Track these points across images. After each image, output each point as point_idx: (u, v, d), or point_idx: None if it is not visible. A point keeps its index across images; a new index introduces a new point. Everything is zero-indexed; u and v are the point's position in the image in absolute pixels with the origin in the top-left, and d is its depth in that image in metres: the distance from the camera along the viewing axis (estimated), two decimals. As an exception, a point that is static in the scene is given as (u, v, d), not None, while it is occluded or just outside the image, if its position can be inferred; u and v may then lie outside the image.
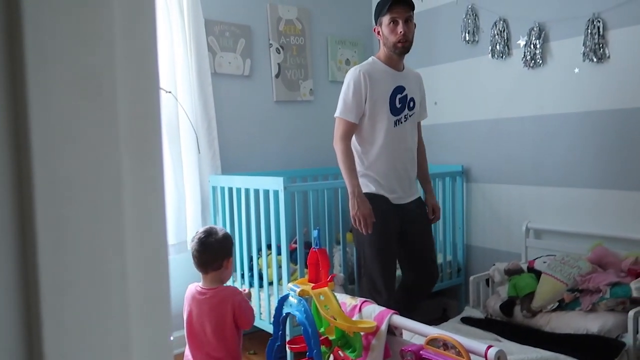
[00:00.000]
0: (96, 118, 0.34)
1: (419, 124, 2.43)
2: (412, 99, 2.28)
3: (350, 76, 2.25)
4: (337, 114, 2.25)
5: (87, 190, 0.34)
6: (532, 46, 2.81)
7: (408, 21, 2.18)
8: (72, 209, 0.34)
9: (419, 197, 2.40)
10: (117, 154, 0.35)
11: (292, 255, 2.74)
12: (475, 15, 3.13)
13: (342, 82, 3.69)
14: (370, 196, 2.18)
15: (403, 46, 2.18)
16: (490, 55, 3.04)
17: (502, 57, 2.99)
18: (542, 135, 2.85)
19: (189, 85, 2.93)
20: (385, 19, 2.18)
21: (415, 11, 3.43)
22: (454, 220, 3.24)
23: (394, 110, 2.22)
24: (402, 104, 2.24)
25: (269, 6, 3.34)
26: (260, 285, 2.71)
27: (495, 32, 3.00)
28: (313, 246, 1.84)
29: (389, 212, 2.22)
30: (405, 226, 2.27)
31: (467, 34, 3.17)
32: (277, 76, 3.38)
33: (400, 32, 2.15)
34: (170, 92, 2.79)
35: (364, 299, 1.88)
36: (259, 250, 2.82)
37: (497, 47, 2.99)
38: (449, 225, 3.24)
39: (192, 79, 2.95)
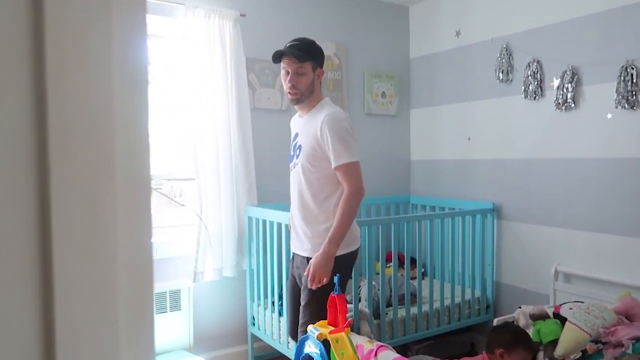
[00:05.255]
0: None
1: (337, 170, 2.07)
2: (299, 146, 2.16)
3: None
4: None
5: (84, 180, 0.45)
6: (564, 89, 2.82)
7: (300, 74, 2.08)
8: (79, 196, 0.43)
9: (307, 258, 2.12)
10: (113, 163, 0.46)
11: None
12: (510, 54, 3.15)
13: (378, 115, 3.83)
14: None
15: (292, 97, 2.11)
16: (523, 95, 3.06)
17: (535, 98, 3.00)
18: (573, 179, 2.84)
19: (228, 119, 3.11)
20: (280, 67, 2.14)
21: (450, 47, 3.55)
22: (483, 257, 3.26)
23: (290, 157, 2.27)
24: (294, 150, 2.23)
25: (308, 43, 3.49)
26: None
27: (529, 72, 3.01)
28: (333, 292, 1.95)
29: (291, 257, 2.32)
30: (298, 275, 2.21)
31: (501, 73, 3.20)
32: (313, 110, 3.52)
33: (288, 83, 2.09)
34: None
35: (380, 344, 1.96)
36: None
37: (530, 87, 3.01)
38: (479, 262, 3.26)
39: (232, 114, 3.12)
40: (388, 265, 3.23)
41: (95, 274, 0.45)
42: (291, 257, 2.31)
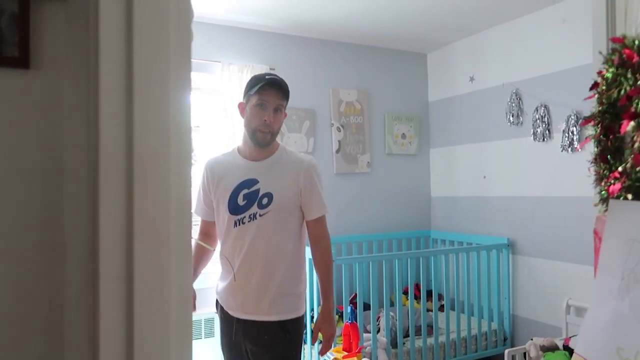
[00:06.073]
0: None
1: (315, 222, 1.89)
2: (266, 194, 1.81)
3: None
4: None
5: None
6: (569, 132, 3.01)
7: (278, 110, 1.83)
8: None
9: (276, 322, 1.79)
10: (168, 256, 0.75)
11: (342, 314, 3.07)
12: (520, 99, 3.38)
13: (398, 155, 4.07)
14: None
15: (263, 136, 1.82)
16: (532, 137, 3.26)
17: (543, 139, 3.20)
18: (582, 216, 2.99)
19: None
20: (254, 99, 1.82)
21: (465, 91, 3.80)
22: (499, 290, 3.41)
23: (234, 209, 1.83)
24: (247, 200, 1.82)
25: (332, 90, 3.82)
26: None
27: (537, 116, 3.22)
28: (346, 320, 2.18)
29: (226, 321, 1.88)
30: (249, 345, 1.82)
31: (511, 116, 3.41)
32: (337, 152, 3.81)
33: (265, 119, 1.80)
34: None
35: (391, 369, 2.17)
36: (312, 309, 3.18)
37: (539, 130, 3.21)
38: (495, 295, 3.41)
39: (263, 158, 3.44)
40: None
41: (159, 302, 0.72)
42: (231, 325, 1.85)
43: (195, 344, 3.14)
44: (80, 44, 0.77)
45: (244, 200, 1.82)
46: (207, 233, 1.97)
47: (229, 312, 1.84)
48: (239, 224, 1.81)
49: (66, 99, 0.77)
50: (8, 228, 0.73)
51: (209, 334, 3.19)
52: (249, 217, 1.80)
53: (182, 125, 0.78)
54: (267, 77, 1.83)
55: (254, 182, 1.83)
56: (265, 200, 1.80)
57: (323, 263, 1.88)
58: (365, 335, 2.87)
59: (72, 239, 0.75)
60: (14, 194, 0.73)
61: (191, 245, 0.80)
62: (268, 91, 1.80)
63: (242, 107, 1.89)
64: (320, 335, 1.86)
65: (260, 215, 1.80)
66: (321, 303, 1.87)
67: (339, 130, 3.83)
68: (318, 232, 1.89)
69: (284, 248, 1.82)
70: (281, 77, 1.88)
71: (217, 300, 1.92)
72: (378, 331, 3.05)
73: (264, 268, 1.79)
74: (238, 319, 1.81)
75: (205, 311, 3.21)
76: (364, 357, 2.43)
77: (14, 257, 0.73)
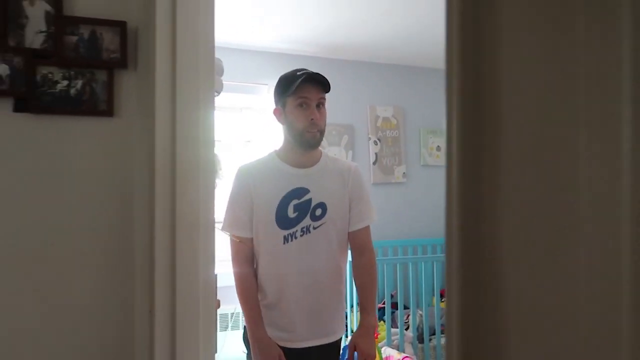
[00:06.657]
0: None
1: (361, 232, 1.74)
2: (319, 205, 1.66)
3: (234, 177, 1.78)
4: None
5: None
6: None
7: (320, 105, 1.68)
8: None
9: (335, 342, 1.71)
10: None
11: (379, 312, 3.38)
12: (545, 113, 3.56)
13: (433, 166, 4.33)
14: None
15: (313, 136, 1.65)
16: (556, 149, 3.44)
17: (566, 151, 3.37)
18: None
19: (302, 174, 3.82)
20: (292, 100, 1.66)
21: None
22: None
23: (283, 222, 1.65)
24: (299, 212, 1.65)
25: (369, 107, 4.16)
26: (346, 335, 3.39)
27: (561, 129, 3.40)
28: (367, 311, 2.50)
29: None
30: None
31: (537, 129, 3.60)
32: (374, 163, 4.14)
33: (312, 119, 1.64)
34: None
35: (406, 355, 2.47)
36: (352, 306, 3.50)
37: (562, 142, 3.38)
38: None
39: (305, 169, 3.83)
40: (442, 300, 3.66)
41: (192, 268, 1.11)
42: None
43: (222, 335, 3.47)
44: (145, 99, 1.18)
45: (295, 212, 1.65)
46: (247, 256, 1.71)
47: (277, 343, 1.65)
48: (291, 239, 1.64)
49: (136, 136, 1.18)
50: (99, 224, 1.15)
51: (235, 327, 3.54)
52: (302, 230, 1.64)
53: (208, 153, 1.18)
54: (298, 73, 1.67)
55: (304, 191, 1.66)
56: (318, 212, 1.66)
57: (368, 275, 1.74)
58: (393, 330, 3.17)
59: (139, 227, 1.16)
60: (104, 200, 1.15)
61: (213, 227, 1.18)
62: (307, 88, 1.64)
63: (278, 112, 1.73)
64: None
65: (314, 228, 1.65)
66: (361, 317, 1.70)
67: (375, 143, 4.16)
68: (364, 242, 1.75)
69: (337, 262, 1.69)
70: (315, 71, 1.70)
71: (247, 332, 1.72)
72: (407, 328, 3.33)
73: (318, 287, 1.65)
74: (290, 349, 1.64)
75: (232, 307, 3.52)
76: (407, 341, 2.71)
77: (103, 240, 1.15)
